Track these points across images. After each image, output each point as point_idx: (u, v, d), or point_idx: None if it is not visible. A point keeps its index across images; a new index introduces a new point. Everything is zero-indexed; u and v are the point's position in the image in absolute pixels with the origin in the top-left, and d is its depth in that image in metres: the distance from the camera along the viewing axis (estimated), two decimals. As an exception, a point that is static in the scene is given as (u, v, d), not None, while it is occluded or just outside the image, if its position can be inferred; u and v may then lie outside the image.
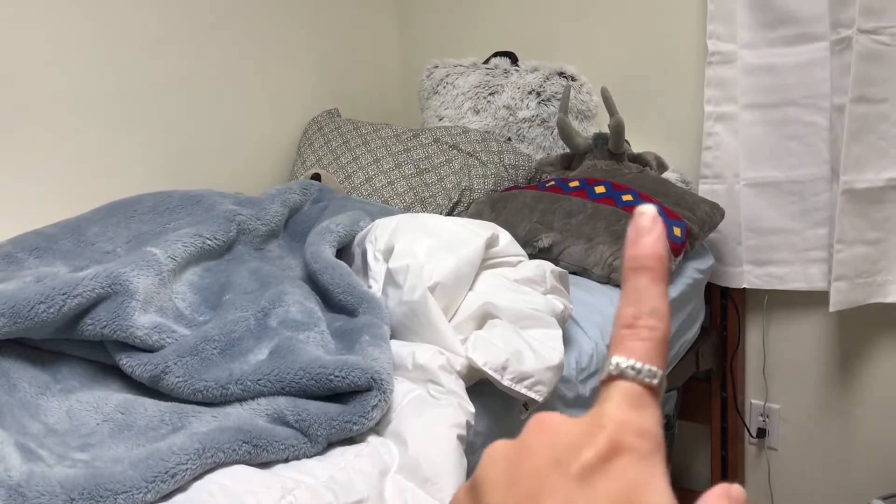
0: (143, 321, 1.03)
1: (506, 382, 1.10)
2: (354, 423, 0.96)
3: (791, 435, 2.11)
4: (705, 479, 2.21)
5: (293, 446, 0.93)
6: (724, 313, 2.06)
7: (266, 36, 2.06)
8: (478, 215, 1.74)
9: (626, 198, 1.69)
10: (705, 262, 1.87)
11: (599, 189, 1.72)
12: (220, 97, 1.96)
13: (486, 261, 1.28)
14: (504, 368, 1.10)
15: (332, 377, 0.98)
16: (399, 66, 2.52)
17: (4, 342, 1.01)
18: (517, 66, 2.15)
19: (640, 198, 1.70)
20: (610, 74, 2.05)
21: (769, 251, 1.94)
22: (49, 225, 1.28)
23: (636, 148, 1.98)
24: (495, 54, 2.21)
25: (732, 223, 1.92)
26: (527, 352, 1.13)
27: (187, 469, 0.84)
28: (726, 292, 2.03)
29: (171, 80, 1.84)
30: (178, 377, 0.99)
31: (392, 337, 1.16)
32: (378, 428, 1.01)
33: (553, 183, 1.79)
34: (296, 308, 1.13)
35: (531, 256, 1.42)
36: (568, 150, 1.96)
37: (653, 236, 0.33)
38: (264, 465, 0.92)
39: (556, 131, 2.03)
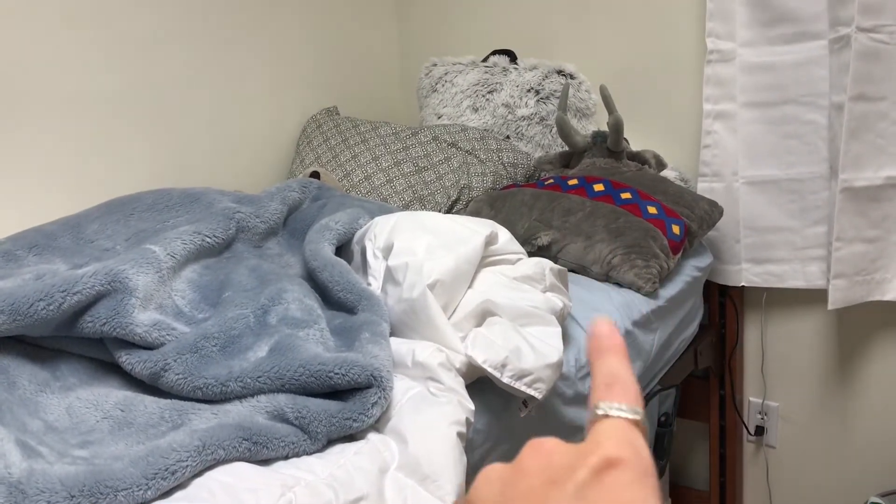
0: (142, 318, 1.03)
1: (505, 380, 1.10)
2: (354, 421, 0.96)
3: (789, 433, 2.12)
4: (704, 477, 2.21)
5: (293, 443, 0.93)
6: (722, 311, 2.06)
7: (265, 34, 2.06)
8: (476, 213, 1.74)
9: (625, 196, 1.70)
10: (704, 260, 1.87)
11: (598, 187, 1.73)
12: (219, 95, 1.96)
13: (486, 258, 1.28)
14: (503, 366, 1.10)
15: (331, 374, 0.98)
16: (398, 63, 2.52)
17: (4, 339, 1.01)
18: (516, 64, 2.15)
19: (639, 196, 1.70)
20: (609, 72, 2.05)
21: (768, 249, 1.94)
22: (48, 222, 1.28)
23: (635, 146, 1.98)
24: (494, 52, 2.21)
25: (731, 221, 1.92)
26: (526, 349, 1.13)
27: (187, 466, 0.84)
28: (725, 290, 2.03)
29: (170, 78, 1.83)
30: (178, 374, 0.99)
31: (391, 334, 1.16)
32: (378, 425, 1.01)
33: (552, 181, 1.79)
34: (295, 305, 1.13)
35: (530, 254, 1.42)
36: (567, 148, 1.96)
37: (612, 338, 0.39)
38: (264, 462, 0.92)
39: (554, 129, 2.03)
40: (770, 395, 2.13)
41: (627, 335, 1.50)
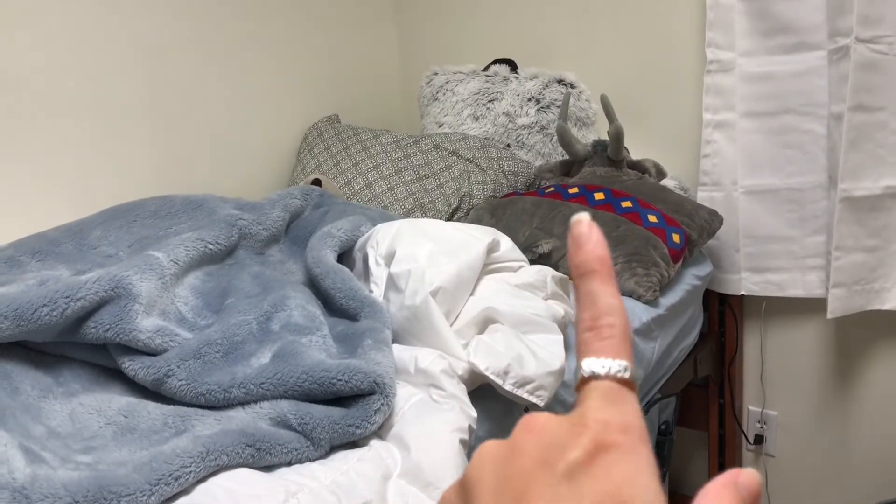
0: (145, 324, 1.03)
1: (507, 387, 1.10)
2: (357, 427, 0.96)
3: (789, 442, 2.12)
4: (703, 485, 2.20)
5: (296, 449, 0.93)
6: (722, 320, 2.06)
7: (266, 42, 2.07)
8: (477, 221, 1.74)
9: (626, 204, 1.70)
10: (704, 269, 1.87)
11: (599, 196, 1.73)
12: (221, 103, 1.96)
13: (487, 266, 1.28)
14: (506, 373, 1.10)
15: (334, 381, 0.98)
16: (399, 72, 2.53)
17: (7, 345, 1.01)
18: (516, 73, 2.16)
19: (640, 204, 1.71)
20: (609, 82, 2.06)
21: (767, 258, 1.94)
22: (51, 228, 1.28)
23: (635, 155, 1.99)
24: (495, 61, 2.22)
25: (731, 230, 1.93)
26: (528, 356, 1.13)
27: (191, 472, 0.84)
28: (724, 299, 2.04)
29: (172, 86, 1.84)
30: (181, 380, 0.99)
31: (394, 341, 1.16)
32: (380, 432, 1.01)
33: (552, 189, 1.80)
34: (298, 312, 1.13)
35: (531, 262, 1.43)
36: (567, 156, 1.97)
37: (593, 241, 0.35)
38: (267, 468, 0.92)
39: (555, 138, 2.04)
40: (769, 404, 2.13)
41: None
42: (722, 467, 2.14)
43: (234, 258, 1.30)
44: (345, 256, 1.38)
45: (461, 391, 1.07)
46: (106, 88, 1.71)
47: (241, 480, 0.87)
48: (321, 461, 0.95)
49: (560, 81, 2.08)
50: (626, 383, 0.33)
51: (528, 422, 0.32)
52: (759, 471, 1.91)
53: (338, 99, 2.29)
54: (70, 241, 1.25)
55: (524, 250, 1.50)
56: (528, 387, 1.11)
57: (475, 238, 1.27)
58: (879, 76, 1.69)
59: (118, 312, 1.02)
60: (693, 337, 1.86)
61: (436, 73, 2.25)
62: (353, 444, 0.99)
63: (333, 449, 0.97)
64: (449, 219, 1.85)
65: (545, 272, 1.31)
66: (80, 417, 0.96)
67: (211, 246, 1.23)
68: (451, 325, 1.18)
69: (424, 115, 2.25)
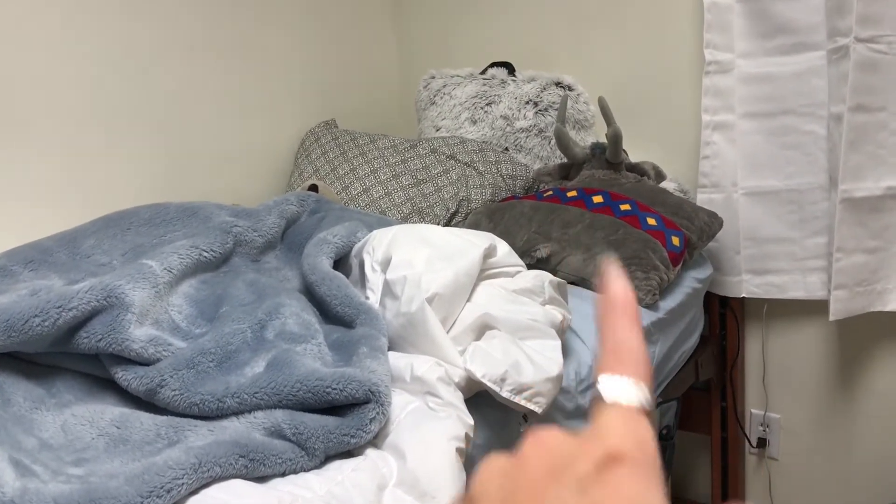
0: (138, 334, 1.02)
1: (504, 394, 1.09)
2: (352, 437, 0.95)
3: (792, 444, 2.10)
4: (706, 489, 2.19)
5: (290, 460, 0.92)
6: (723, 323, 2.05)
7: (263, 47, 2.06)
8: (475, 226, 1.73)
9: (624, 207, 1.69)
10: (704, 272, 1.86)
11: (597, 199, 1.72)
12: (218, 109, 1.96)
13: (484, 271, 1.27)
14: (503, 380, 1.09)
15: (329, 390, 0.97)
16: (396, 76, 2.52)
17: (-2, 356, 1.00)
18: (514, 76, 2.15)
19: (638, 207, 1.69)
20: (607, 84, 2.05)
21: (768, 260, 1.93)
22: (44, 238, 1.27)
23: (634, 157, 1.98)
24: (492, 65, 2.21)
25: (731, 232, 1.92)
26: (525, 363, 1.12)
27: (183, 484, 0.82)
28: (725, 302, 2.02)
29: (168, 92, 1.83)
30: (174, 390, 0.98)
31: (390, 348, 1.15)
32: (376, 441, 1.00)
33: (551, 193, 1.79)
34: (293, 320, 1.12)
35: (529, 267, 1.42)
36: (565, 159, 1.96)
37: (621, 282, 0.37)
38: (261, 479, 0.91)
39: (553, 141, 2.02)
40: (772, 407, 2.11)
41: (628, 348, 1.48)
42: (725, 471, 2.13)
43: (229, 265, 1.29)
44: (341, 263, 1.37)
45: (458, 399, 1.06)
46: (101, 95, 1.70)
47: (234, 492, 0.86)
48: (316, 471, 0.94)
49: (558, 84, 2.07)
50: (642, 411, 0.33)
51: (536, 436, 0.32)
52: (762, 474, 1.89)
53: (335, 104, 2.28)
54: (63, 250, 1.24)
55: (522, 255, 1.49)
56: (526, 394, 1.10)
57: (472, 243, 1.26)
58: (879, 76, 1.67)
59: (111, 322, 1.01)
60: (694, 340, 1.84)
61: (433, 77, 2.24)
62: (349, 454, 0.98)
63: (328, 459, 0.96)
64: (447, 223, 1.84)
65: (543, 277, 1.30)
66: (72, 429, 0.95)
67: (205, 253, 1.22)
68: (448, 332, 1.17)
69: (422, 119, 2.24)
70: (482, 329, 1.19)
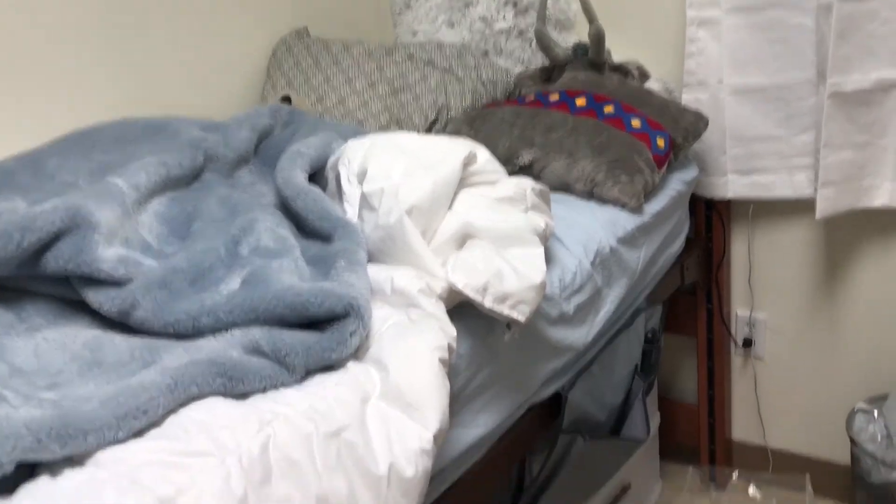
0: (107, 254, 0.99)
1: (487, 304, 1.07)
2: (332, 351, 0.93)
3: (777, 344, 2.12)
4: (692, 390, 2.22)
5: (270, 376, 0.90)
6: (709, 225, 2.04)
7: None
8: (456, 134, 1.69)
9: (608, 109, 1.65)
10: (689, 174, 1.83)
11: (580, 101, 1.67)
12: (184, 19, 1.87)
13: (465, 179, 1.23)
14: (485, 289, 1.07)
15: (307, 304, 0.94)
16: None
17: (-36, 282, 0.97)
18: (492, -25, 2.06)
19: (623, 109, 1.65)
20: (589, -19, 1.97)
21: (754, 159, 1.90)
22: (5, 159, 1.23)
23: (618, 57, 1.92)
24: (469, -36, 2.12)
25: (717, 132, 1.88)
26: (508, 272, 1.10)
27: (159, 405, 0.81)
28: (711, 204, 2.00)
29: (130, 2, 1.74)
30: (148, 311, 0.95)
31: (369, 262, 1.13)
32: (358, 354, 0.98)
33: (533, 97, 1.74)
34: (268, 235, 1.09)
35: (512, 174, 1.38)
36: (547, 62, 1.90)
37: None
38: (242, 396, 0.89)
39: (534, 43, 1.96)
40: (757, 308, 2.12)
41: (613, 253, 1.47)
42: (711, 372, 2.15)
43: (200, 182, 1.25)
44: (317, 176, 1.33)
45: (440, 310, 1.04)
46: (59, 8, 1.62)
47: (213, 411, 0.84)
48: (297, 387, 0.92)
49: (538, -18, 1.99)
50: None
51: None
52: (747, 374, 1.91)
53: (306, 10, 2.18)
54: (26, 170, 1.19)
55: (504, 162, 1.45)
56: (509, 302, 1.08)
57: (450, 151, 1.22)
58: (870, -37, 1.61)
59: (78, 243, 0.98)
60: (679, 243, 1.83)
61: (408, -21, 2.15)
62: (330, 368, 0.96)
63: (309, 374, 0.94)
64: (427, 132, 1.79)
65: (524, 184, 1.26)
66: (44, 353, 0.93)
67: (174, 170, 1.18)
68: (429, 243, 1.14)
69: (398, 24, 2.16)
70: (464, 238, 1.16)
